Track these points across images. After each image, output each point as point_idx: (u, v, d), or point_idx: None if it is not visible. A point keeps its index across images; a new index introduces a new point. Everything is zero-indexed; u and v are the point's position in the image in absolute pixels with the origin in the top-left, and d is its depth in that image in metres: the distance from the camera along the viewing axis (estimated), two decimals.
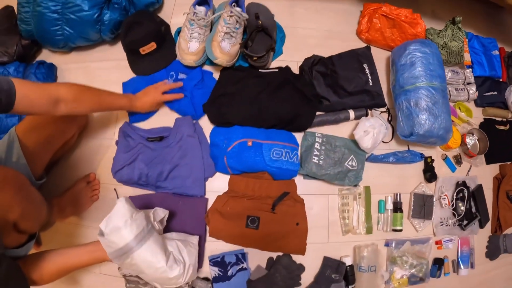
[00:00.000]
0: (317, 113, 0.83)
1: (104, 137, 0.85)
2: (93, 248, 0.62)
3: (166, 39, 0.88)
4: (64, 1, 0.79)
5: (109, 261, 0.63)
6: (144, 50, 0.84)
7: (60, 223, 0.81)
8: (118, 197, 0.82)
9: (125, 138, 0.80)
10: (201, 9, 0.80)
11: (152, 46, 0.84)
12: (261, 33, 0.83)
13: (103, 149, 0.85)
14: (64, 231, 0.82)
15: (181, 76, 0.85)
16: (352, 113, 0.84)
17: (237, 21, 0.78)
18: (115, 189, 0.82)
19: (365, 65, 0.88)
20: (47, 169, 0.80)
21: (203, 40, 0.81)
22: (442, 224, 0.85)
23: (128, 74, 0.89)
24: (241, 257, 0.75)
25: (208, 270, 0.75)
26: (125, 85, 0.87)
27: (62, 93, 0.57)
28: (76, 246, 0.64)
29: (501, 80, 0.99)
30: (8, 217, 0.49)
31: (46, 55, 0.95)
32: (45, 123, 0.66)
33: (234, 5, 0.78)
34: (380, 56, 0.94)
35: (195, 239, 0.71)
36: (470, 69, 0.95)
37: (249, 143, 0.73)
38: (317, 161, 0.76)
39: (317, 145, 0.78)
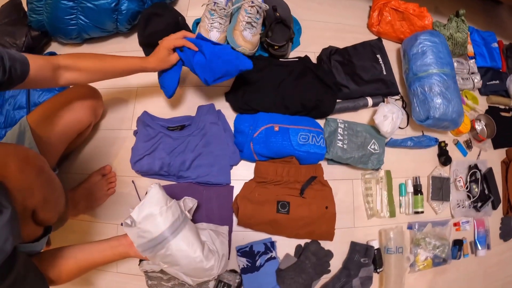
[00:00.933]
0: (337, 100, 0.88)
1: (121, 128, 0.86)
2: (115, 243, 0.60)
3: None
4: None
5: (132, 257, 0.61)
6: None
7: (73, 220, 0.80)
8: (136, 190, 0.81)
9: (144, 127, 0.81)
10: (222, 0, 0.84)
11: None
12: (280, 24, 0.88)
13: (119, 140, 0.85)
14: (78, 229, 0.80)
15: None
16: (370, 100, 0.89)
17: (257, 12, 0.83)
18: (133, 181, 0.82)
19: (378, 56, 0.95)
20: (59, 162, 0.78)
21: (224, 30, 0.85)
22: (459, 206, 0.91)
23: None
24: (270, 246, 0.76)
25: (235, 262, 0.76)
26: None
27: (60, 60, 0.57)
28: (97, 241, 0.61)
29: (501, 70, 1.09)
30: (27, 202, 0.46)
31: (55, 48, 0.95)
32: (60, 111, 0.66)
33: None
34: (389, 48, 1.01)
35: (225, 229, 0.71)
36: (473, 60, 1.05)
37: (276, 128, 0.76)
38: (341, 145, 0.80)
39: (340, 130, 0.82)
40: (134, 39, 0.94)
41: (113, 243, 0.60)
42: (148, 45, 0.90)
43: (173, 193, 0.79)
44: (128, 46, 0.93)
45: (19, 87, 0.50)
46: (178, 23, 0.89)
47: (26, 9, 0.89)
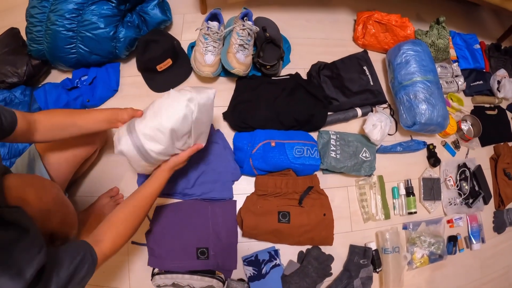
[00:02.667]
0: (328, 113, 0.99)
1: None
2: (155, 173, 0.67)
3: (179, 55, 1.02)
4: (80, 19, 0.88)
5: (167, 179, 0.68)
6: (161, 67, 0.97)
7: None
8: None
9: None
10: (214, 24, 0.96)
11: (168, 62, 0.97)
12: (270, 44, 1.00)
13: (124, 162, 0.93)
14: None
15: (83, 78, 0.98)
16: (359, 111, 1.01)
17: (249, 34, 0.94)
18: None
19: (364, 67, 1.07)
20: (67, 186, 0.87)
21: (218, 53, 0.96)
22: (451, 204, 1.02)
23: (145, 88, 1.01)
24: (274, 254, 0.86)
25: (242, 271, 0.86)
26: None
27: (35, 116, 0.59)
28: (136, 190, 0.66)
29: (484, 70, 1.22)
30: (46, 226, 0.53)
31: (55, 75, 1.05)
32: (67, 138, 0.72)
33: (245, 19, 0.94)
34: (375, 59, 1.13)
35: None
36: (457, 63, 1.17)
37: (273, 144, 0.87)
38: (334, 156, 0.91)
39: (333, 141, 0.93)
40: (132, 64, 1.05)
41: (155, 175, 0.67)
42: (147, 70, 1.01)
43: (179, 210, 0.89)
44: (126, 72, 1.04)
45: (4, 140, 0.52)
46: (174, 47, 1.00)
47: (24, 38, 0.97)
